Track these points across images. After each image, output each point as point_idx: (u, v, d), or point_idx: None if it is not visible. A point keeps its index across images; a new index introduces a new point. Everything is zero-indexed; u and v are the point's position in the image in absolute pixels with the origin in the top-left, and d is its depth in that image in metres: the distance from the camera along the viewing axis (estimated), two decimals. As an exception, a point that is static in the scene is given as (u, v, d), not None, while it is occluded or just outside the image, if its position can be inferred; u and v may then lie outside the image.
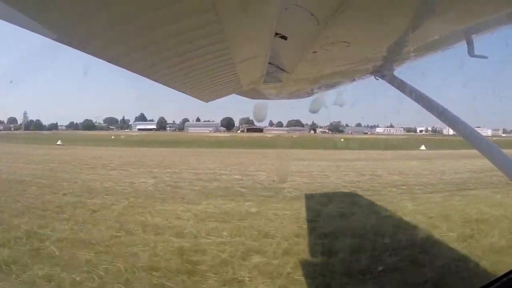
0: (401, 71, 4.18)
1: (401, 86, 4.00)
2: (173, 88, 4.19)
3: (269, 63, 4.13)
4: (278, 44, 3.49)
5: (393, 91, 4.06)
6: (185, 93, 4.71)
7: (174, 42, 2.51)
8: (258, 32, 2.80)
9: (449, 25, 2.81)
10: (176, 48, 2.68)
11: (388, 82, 4.11)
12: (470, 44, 3.03)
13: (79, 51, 2.37)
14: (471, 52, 3.03)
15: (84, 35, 2.18)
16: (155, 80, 3.65)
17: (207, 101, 5.70)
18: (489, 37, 3.12)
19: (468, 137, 3.60)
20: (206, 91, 4.91)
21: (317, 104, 6.31)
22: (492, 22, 2.79)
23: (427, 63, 4.43)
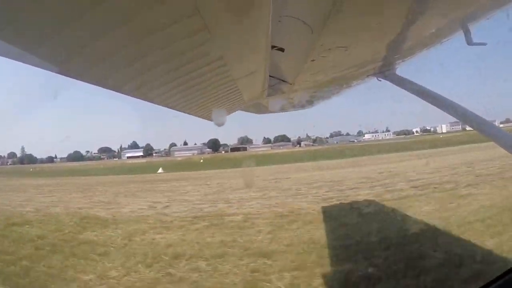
0: (402, 69, 4.16)
1: (404, 84, 3.97)
2: (177, 110, 4.21)
3: (270, 76, 4.14)
4: (276, 56, 3.50)
5: (390, 92, 4.05)
6: (190, 114, 4.73)
7: (172, 64, 2.54)
8: (254, 47, 2.81)
9: (445, 16, 2.78)
10: (174, 71, 2.71)
11: (391, 82, 4.08)
12: (467, 33, 3.00)
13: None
14: (469, 40, 3.00)
15: (84, 65, 2.22)
16: (159, 104, 3.69)
17: (212, 120, 5.71)
18: (486, 23, 3.09)
19: (478, 128, 3.54)
20: (210, 110, 4.93)
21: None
22: (487, 7, 2.77)
23: (427, 58, 4.41)
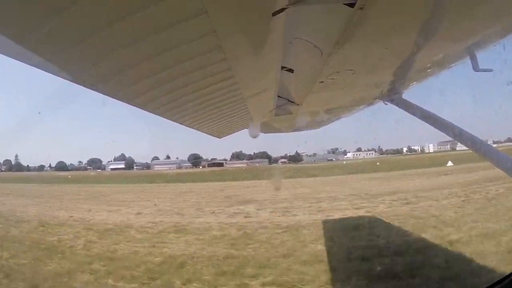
0: (409, 94, 4.20)
1: (410, 108, 4.01)
2: (186, 125, 4.28)
3: (278, 96, 4.20)
4: (285, 77, 3.57)
5: (399, 114, 4.11)
6: (198, 130, 4.80)
7: (183, 81, 2.61)
8: (265, 67, 2.89)
9: (452, 43, 2.84)
10: (186, 87, 2.78)
11: (397, 106, 4.11)
12: (473, 59, 3.06)
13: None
14: (475, 67, 3.05)
15: (99, 77, 2.30)
16: (169, 119, 3.75)
17: (220, 137, 5.77)
18: (492, 50, 3.16)
19: (478, 150, 3.57)
20: (219, 127, 5.00)
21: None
22: (493, 36, 2.82)
23: (433, 83, 4.48)
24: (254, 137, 6.06)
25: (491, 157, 3.47)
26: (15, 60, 1.95)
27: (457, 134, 3.64)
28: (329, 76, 3.24)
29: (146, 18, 1.68)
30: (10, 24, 1.52)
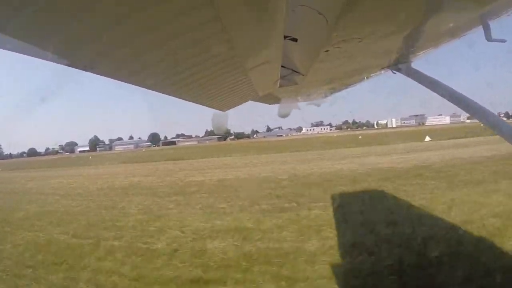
0: (418, 63, 4.06)
1: (419, 77, 3.88)
2: (188, 100, 4.21)
3: (282, 66, 4.08)
4: (289, 46, 3.44)
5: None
6: (201, 104, 4.72)
7: (182, 55, 2.52)
8: (267, 37, 2.76)
9: (464, 11, 2.69)
10: (185, 61, 2.68)
11: (406, 75, 3.99)
12: (486, 28, 2.90)
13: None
14: (488, 37, 2.90)
15: (93, 56, 2.20)
16: (170, 94, 3.67)
17: (224, 110, 5.70)
18: (507, 20, 2.97)
19: (489, 123, 3.46)
20: (222, 101, 4.90)
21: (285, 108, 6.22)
22: (508, 4, 2.66)
23: (443, 52, 4.31)
24: (284, 116, 5.97)
25: (501, 130, 3.35)
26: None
27: (467, 105, 3.53)
28: (334, 44, 3.11)
29: None
30: None
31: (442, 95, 3.64)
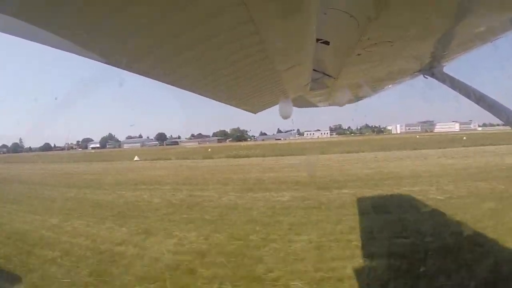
0: (450, 67, 3.96)
1: (452, 82, 3.79)
2: (220, 101, 4.30)
3: (313, 69, 4.11)
4: (320, 49, 3.46)
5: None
6: (233, 106, 4.81)
7: (215, 56, 2.60)
8: (299, 40, 2.81)
9: (499, 12, 2.62)
10: (217, 63, 2.77)
11: (438, 80, 3.90)
12: None
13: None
14: None
15: (133, 56, 2.33)
16: (202, 95, 3.78)
17: (255, 112, 5.77)
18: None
19: None
20: (253, 103, 4.98)
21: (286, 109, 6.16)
22: None
23: (477, 56, 4.19)
24: (286, 118, 5.99)
25: None
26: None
27: (500, 112, 3.41)
28: (366, 48, 3.11)
29: None
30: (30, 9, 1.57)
31: (475, 101, 3.54)
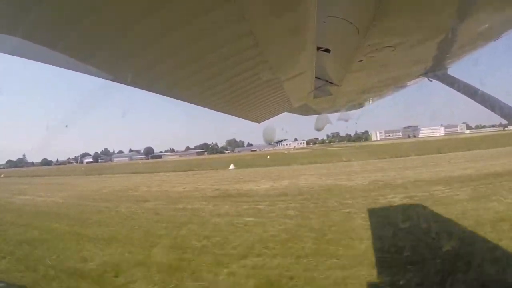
0: (454, 69, 3.92)
1: (456, 84, 3.76)
2: (224, 112, 4.32)
3: (316, 77, 4.11)
4: (322, 58, 3.47)
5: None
6: (237, 116, 4.82)
7: (217, 69, 2.62)
8: (299, 49, 2.82)
9: (499, 12, 2.59)
10: (220, 76, 2.79)
11: (442, 82, 3.87)
12: None
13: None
14: None
15: (135, 71, 2.36)
16: (206, 107, 3.81)
17: (259, 122, 5.77)
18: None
19: None
20: (257, 113, 4.99)
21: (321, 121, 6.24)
22: None
23: (480, 57, 4.16)
24: (320, 129, 6.12)
25: None
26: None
27: (508, 113, 3.36)
28: (368, 54, 3.11)
29: (175, 9, 1.69)
30: (40, 30, 1.61)
31: (481, 103, 3.51)
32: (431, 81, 4.03)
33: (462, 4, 2.30)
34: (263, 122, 5.79)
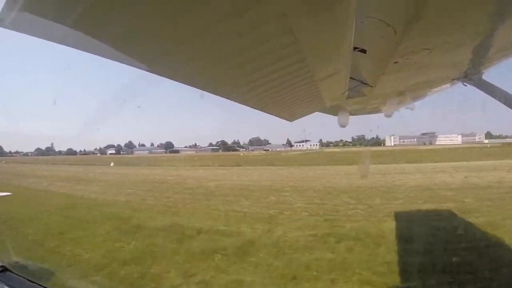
0: (489, 74, 3.85)
1: (492, 90, 3.69)
2: (258, 109, 4.43)
3: (350, 78, 4.15)
4: (358, 58, 3.51)
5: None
6: (270, 114, 4.93)
7: (255, 66, 2.73)
8: (336, 48, 2.88)
9: None
10: (258, 72, 2.90)
11: (477, 87, 3.80)
12: None
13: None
14: None
15: (174, 65, 2.51)
16: (242, 103, 3.94)
17: (292, 120, 5.85)
18: None
19: None
20: (291, 111, 5.08)
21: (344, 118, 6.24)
22: None
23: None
24: (343, 126, 6.21)
25: None
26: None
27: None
28: (403, 56, 3.13)
29: (216, 5, 1.80)
30: (87, 22, 1.76)
31: None
32: (466, 85, 3.98)
33: (501, 5, 2.30)
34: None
